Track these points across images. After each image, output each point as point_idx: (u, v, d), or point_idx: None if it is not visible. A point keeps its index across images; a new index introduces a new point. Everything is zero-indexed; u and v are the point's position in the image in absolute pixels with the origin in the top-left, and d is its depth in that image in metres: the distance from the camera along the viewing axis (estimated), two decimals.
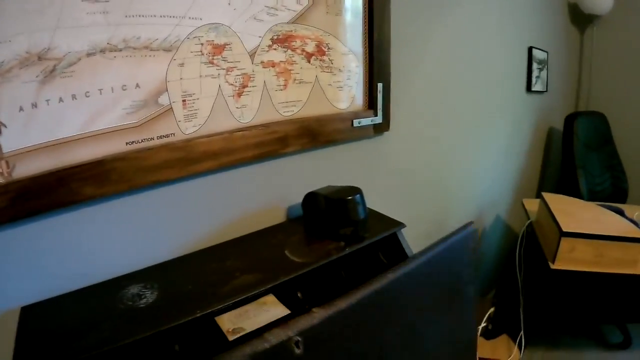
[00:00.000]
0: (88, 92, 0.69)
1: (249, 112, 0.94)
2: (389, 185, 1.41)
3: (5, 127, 0.62)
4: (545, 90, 2.39)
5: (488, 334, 2.11)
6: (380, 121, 1.23)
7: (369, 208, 1.05)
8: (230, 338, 0.82)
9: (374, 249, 1.04)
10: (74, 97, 0.68)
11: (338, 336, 0.57)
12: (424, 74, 1.45)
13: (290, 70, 1.01)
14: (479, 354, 1.89)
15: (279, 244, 0.94)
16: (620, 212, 1.81)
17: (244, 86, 0.92)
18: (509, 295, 2.08)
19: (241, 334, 0.84)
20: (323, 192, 0.98)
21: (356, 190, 0.96)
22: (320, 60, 1.06)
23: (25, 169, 0.66)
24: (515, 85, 2.13)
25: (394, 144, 1.36)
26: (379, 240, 1.00)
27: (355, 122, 1.16)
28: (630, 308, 1.79)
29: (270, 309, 0.93)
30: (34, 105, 0.64)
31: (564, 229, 1.51)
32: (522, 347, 1.96)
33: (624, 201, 2.41)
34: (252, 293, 0.78)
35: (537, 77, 2.26)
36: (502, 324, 2.12)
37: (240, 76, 0.91)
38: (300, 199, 1.02)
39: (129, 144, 0.76)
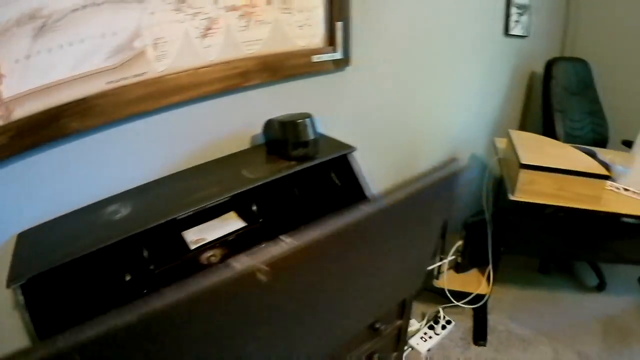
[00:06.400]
0: (72, 42, 0.87)
1: (213, 51, 1.11)
2: (354, 118, 1.57)
3: (5, 77, 0.80)
4: (526, 35, 2.41)
5: (459, 268, 2.18)
6: (341, 57, 1.37)
7: (326, 136, 1.23)
8: (192, 247, 1.02)
9: (326, 170, 1.22)
10: (60, 47, 0.85)
11: (305, 266, 0.56)
12: (391, 14, 1.55)
13: (251, 12, 1.14)
14: (449, 287, 2.04)
15: (238, 165, 1.13)
16: (592, 154, 1.80)
17: (209, 29, 1.08)
18: (478, 230, 2.09)
19: (202, 243, 1.05)
20: (278, 118, 1.16)
21: (306, 115, 1.12)
22: (281, 1, 1.19)
23: (22, 111, 0.84)
24: (491, 29, 2.17)
25: (357, 79, 1.50)
26: (331, 161, 1.16)
27: (315, 58, 1.31)
28: (598, 246, 1.85)
29: (229, 223, 1.14)
30: (27, 57, 0.82)
31: (522, 162, 1.58)
32: (491, 281, 2.03)
33: (603, 147, 2.39)
34: (210, 203, 0.98)
35: (517, 21, 2.28)
36: (472, 259, 2.16)
37: (205, 20, 1.06)
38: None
39: (109, 83, 0.94)
